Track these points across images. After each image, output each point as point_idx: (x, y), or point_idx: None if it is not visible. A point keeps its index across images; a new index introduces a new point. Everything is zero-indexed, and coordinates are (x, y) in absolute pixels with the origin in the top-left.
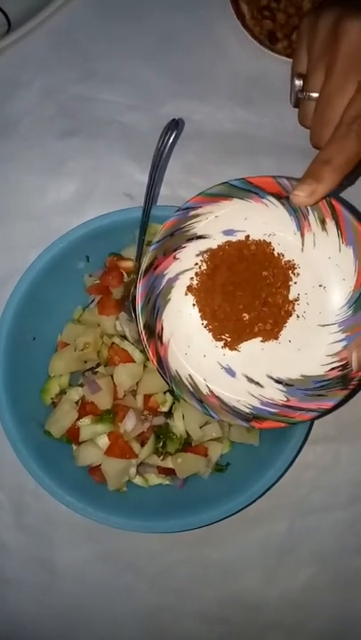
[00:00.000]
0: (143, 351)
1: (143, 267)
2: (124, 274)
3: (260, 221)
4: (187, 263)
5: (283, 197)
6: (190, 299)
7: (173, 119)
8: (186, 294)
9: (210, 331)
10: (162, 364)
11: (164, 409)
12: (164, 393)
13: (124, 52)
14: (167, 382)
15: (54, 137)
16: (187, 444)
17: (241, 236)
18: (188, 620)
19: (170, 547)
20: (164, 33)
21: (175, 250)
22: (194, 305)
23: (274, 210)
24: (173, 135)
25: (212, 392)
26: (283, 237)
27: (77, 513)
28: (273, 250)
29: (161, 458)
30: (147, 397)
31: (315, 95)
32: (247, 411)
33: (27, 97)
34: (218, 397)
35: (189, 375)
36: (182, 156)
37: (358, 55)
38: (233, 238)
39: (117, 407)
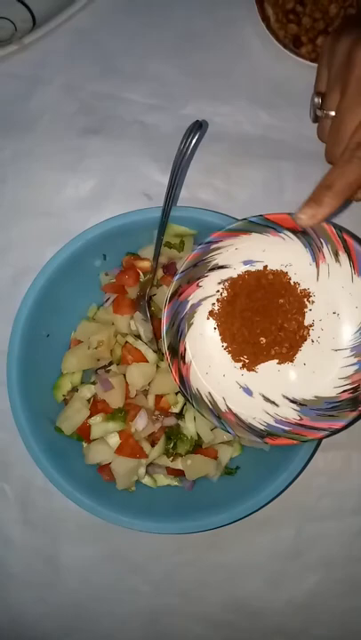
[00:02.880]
0: (156, 351)
1: (168, 294)
2: (141, 273)
3: (278, 253)
4: (209, 290)
5: (298, 232)
6: (212, 323)
7: (197, 120)
8: (208, 318)
9: (229, 352)
10: (183, 383)
11: (176, 410)
12: (176, 394)
13: (146, 51)
14: (188, 400)
15: (74, 134)
16: (197, 446)
17: (259, 266)
18: (191, 622)
19: (176, 548)
20: (188, 33)
21: (198, 278)
22: (215, 328)
23: (290, 242)
24: (197, 137)
25: (229, 409)
26: (299, 268)
27: (86, 511)
28: (289, 279)
29: (171, 459)
30: (158, 398)
31: (331, 113)
32: (262, 428)
33: (48, 93)
34: (235, 414)
35: (209, 393)
36: (202, 158)
37: None
38: (252, 268)
39: (129, 406)
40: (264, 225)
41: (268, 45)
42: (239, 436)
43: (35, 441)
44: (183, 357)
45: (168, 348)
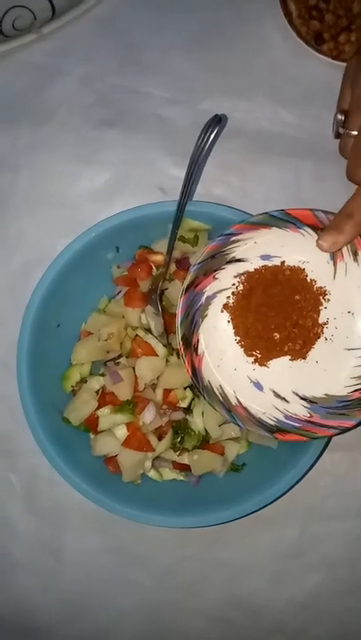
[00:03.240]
0: (166, 345)
1: (185, 284)
2: (153, 267)
3: (296, 249)
4: (225, 283)
5: (319, 229)
6: (226, 315)
7: (216, 115)
8: (222, 311)
9: (242, 346)
10: (196, 374)
11: (184, 405)
12: (185, 389)
13: (166, 44)
14: (200, 391)
15: (91, 126)
16: (204, 442)
17: (277, 262)
18: (191, 617)
19: (179, 543)
20: (209, 26)
21: (215, 270)
22: (229, 321)
23: (309, 239)
24: (215, 131)
25: (240, 403)
26: (316, 265)
27: (92, 502)
28: (306, 276)
29: (178, 453)
30: (166, 392)
31: (354, 133)
32: (272, 423)
33: (66, 84)
34: (245, 408)
35: (220, 386)
36: (219, 154)
37: None
38: (269, 263)
39: (137, 399)
40: (285, 220)
41: (289, 41)
42: (249, 430)
43: (42, 431)
44: (196, 349)
45: (182, 339)
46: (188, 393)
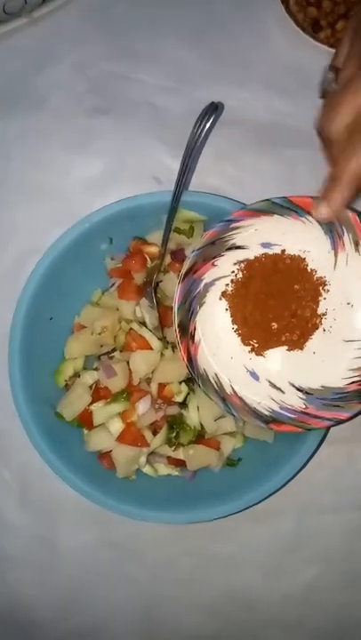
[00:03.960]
0: (161, 339)
1: (183, 270)
2: (148, 259)
3: (297, 237)
4: (224, 270)
5: None
6: (224, 303)
7: (213, 102)
8: (220, 299)
9: (239, 335)
10: (191, 362)
11: (179, 399)
12: (180, 383)
13: (160, 31)
14: (195, 379)
15: (84, 114)
16: (199, 436)
17: (277, 250)
18: (187, 611)
19: (175, 538)
20: (204, 13)
21: (214, 257)
22: (226, 309)
23: (311, 227)
24: (212, 119)
25: (235, 392)
26: (317, 254)
27: (86, 498)
28: (306, 265)
29: (173, 448)
30: (161, 386)
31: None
32: (267, 413)
33: (58, 71)
34: (240, 398)
35: (215, 374)
36: (214, 143)
37: None
38: (270, 251)
39: (132, 388)
40: (287, 207)
41: (286, 29)
42: (244, 420)
43: (35, 426)
44: (193, 336)
45: (178, 326)
46: (184, 387)
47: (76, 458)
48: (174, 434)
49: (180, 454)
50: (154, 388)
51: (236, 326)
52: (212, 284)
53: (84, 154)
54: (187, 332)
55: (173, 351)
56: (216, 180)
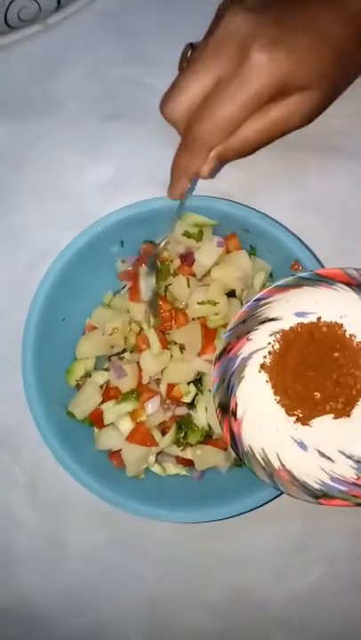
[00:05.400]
0: (156, 316)
1: (217, 352)
2: (158, 262)
3: (332, 304)
4: (260, 343)
5: (353, 285)
6: (264, 376)
7: None
8: (259, 372)
9: (282, 406)
10: (235, 440)
11: (187, 400)
12: (188, 384)
13: (173, 37)
14: (240, 458)
15: (96, 119)
16: (207, 437)
17: (312, 318)
18: (192, 610)
19: (182, 537)
20: None
21: (248, 332)
22: (267, 381)
23: (344, 294)
24: None
25: (283, 466)
26: (355, 319)
27: (96, 496)
28: (345, 331)
29: (181, 448)
30: (170, 387)
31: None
32: (317, 487)
33: (71, 77)
34: (289, 471)
35: (262, 449)
36: None
37: (222, 45)
38: (305, 320)
39: (142, 388)
40: (315, 280)
41: None
42: (292, 497)
43: (47, 424)
44: (235, 413)
45: (218, 406)
46: (192, 388)
47: (86, 456)
48: (183, 434)
49: (188, 454)
50: (163, 388)
51: (278, 397)
52: (249, 357)
53: (97, 159)
54: (228, 409)
55: (181, 352)
56: (227, 185)
